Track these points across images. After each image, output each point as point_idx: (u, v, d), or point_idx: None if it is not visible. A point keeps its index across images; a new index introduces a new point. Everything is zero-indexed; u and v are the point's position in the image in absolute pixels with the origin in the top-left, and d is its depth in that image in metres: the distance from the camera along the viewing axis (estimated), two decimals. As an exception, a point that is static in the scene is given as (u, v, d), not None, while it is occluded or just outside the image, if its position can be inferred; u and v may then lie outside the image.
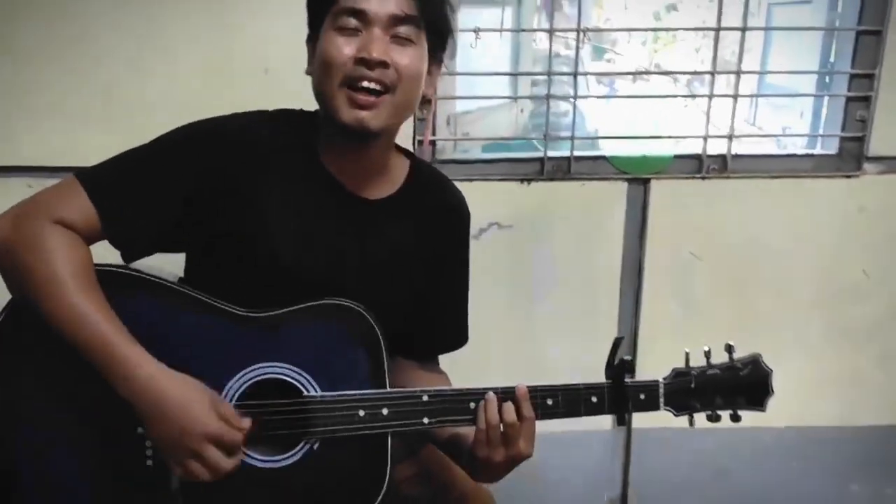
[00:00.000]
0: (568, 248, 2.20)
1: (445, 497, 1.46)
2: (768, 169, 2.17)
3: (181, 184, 1.21)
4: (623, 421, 1.29)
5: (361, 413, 1.21)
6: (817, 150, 2.22)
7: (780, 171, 2.17)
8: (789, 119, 2.34)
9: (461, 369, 2.24)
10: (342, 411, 1.21)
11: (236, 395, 1.21)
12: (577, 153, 2.12)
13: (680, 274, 2.25)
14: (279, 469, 1.21)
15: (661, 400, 1.28)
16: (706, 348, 1.30)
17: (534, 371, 2.29)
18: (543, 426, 2.35)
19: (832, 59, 2.14)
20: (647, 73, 2.70)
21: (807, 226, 2.23)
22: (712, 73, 2.07)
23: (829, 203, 2.21)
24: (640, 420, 2.37)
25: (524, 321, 2.27)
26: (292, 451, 1.22)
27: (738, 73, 2.09)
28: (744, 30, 2.06)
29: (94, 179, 1.20)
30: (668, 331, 2.28)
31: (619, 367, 1.28)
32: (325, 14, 1.22)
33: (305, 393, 1.21)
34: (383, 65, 1.18)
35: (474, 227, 2.33)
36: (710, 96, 2.09)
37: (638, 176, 2.15)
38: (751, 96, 2.38)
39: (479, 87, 2.20)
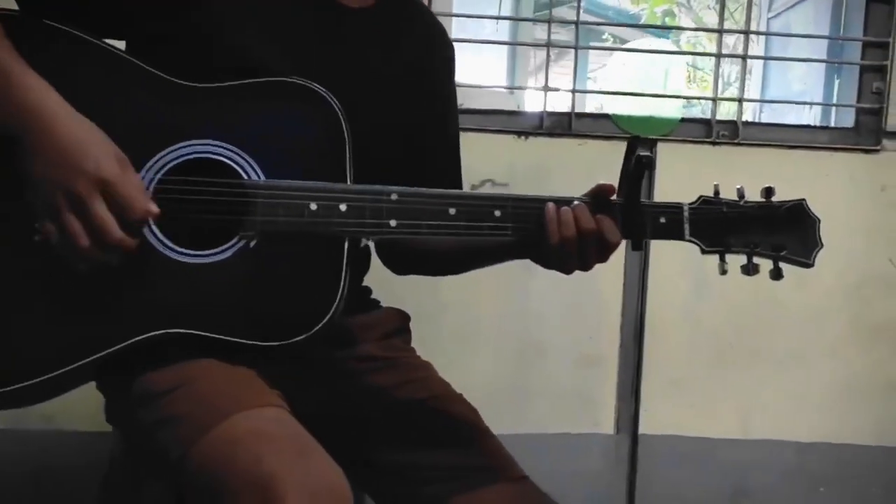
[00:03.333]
0: (567, 211, 2.02)
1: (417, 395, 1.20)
2: (782, 139, 2.04)
3: None
4: (638, 246, 1.06)
5: (313, 206, 1.01)
6: (833, 123, 2.09)
7: (794, 141, 2.04)
8: (802, 94, 2.23)
9: (446, 347, 2.04)
10: (289, 201, 1.01)
11: (160, 174, 1.01)
12: (578, 110, 2.01)
13: (689, 250, 2.05)
14: (203, 266, 1.00)
15: (687, 227, 1.06)
16: (739, 186, 1.10)
17: (529, 351, 2.06)
18: (532, 427, 2.13)
19: (842, 30, 2.07)
20: (652, 26, 2.61)
21: (826, 203, 2.03)
22: (719, 31, 1.99)
23: (850, 179, 2.06)
24: (647, 425, 2.15)
25: (518, 294, 2.05)
26: (223, 247, 1.01)
27: (747, 32, 2.01)
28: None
29: None
30: (678, 313, 2.07)
31: (637, 168, 1.04)
32: None
33: (245, 178, 1.01)
34: None
35: (467, 184, 2.18)
36: (718, 55, 2.00)
37: (643, 137, 2.02)
38: (760, 58, 2.29)
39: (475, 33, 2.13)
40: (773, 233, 1.07)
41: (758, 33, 2.10)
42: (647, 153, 1.08)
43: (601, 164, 2.06)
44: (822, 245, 1.07)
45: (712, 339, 2.08)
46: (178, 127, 1.02)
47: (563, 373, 2.06)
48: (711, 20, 1.99)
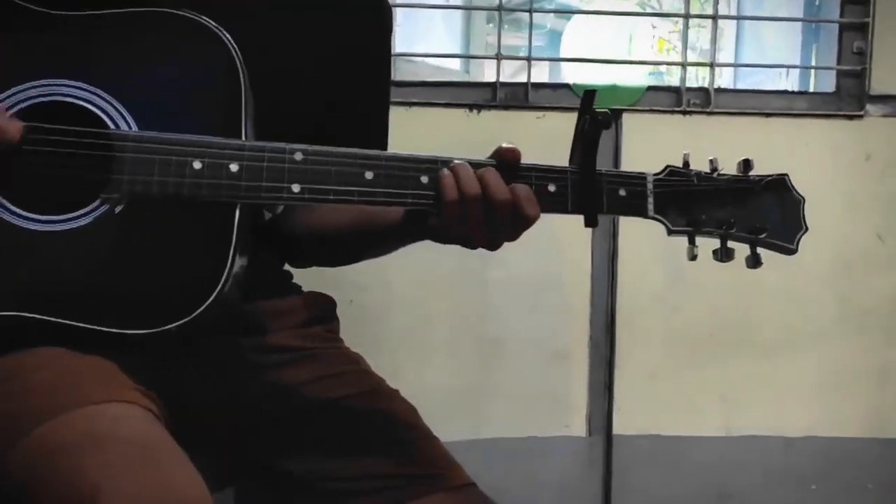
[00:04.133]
0: (526, 192, 1.83)
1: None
2: (758, 106, 1.87)
3: None
4: (593, 221, 0.91)
5: (197, 165, 0.83)
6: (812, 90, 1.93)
7: (771, 109, 1.87)
8: (777, 61, 2.06)
9: (395, 348, 1.84)
10: (166, 157, 0.83)
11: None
12: (534, 80, 1.81)
13: (661, 231, 1.88)
14: (54, 234, 0.82)
15: (650, 200, 0.91)
16: (712, 157, 0.97)
17: (488, 349, 1.86)
18: (494, 431, 1.94)
19: (818, -15, 1.91)
20: None
21: (807, 174, 1.87)
22: (686, -10, 1.81)
23: (832, 149, 1.89)
24: (621, 425, 1.97)
25: (474, 289, 1.86)
26: (79, 212, 0.83)
27: (716, -11, 1.83)
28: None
29: None
30: (651, 302, 1.89)
31: (592, 127, 0.90)
32: None
33: (112, 128, 0.84)
34: None
35: None
36: (686, 16, 1.82)
37: (607, 108, 1.83)
38: (732, 18, 2.12)
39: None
40: (750, 212, 0.94)
41: (727, -9, 1.92)
42: (606, 110, 0.90)
43: (562, 139, 1.86)
44: (807, 228, 0.95)
45: (689, 329, 1.90)
46: (27, 63, 0.85)
47: (526, 371, 1.88)
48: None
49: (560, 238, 1.87)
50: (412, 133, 1.88)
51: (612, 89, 1.84)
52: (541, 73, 2.01)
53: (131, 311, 0.82)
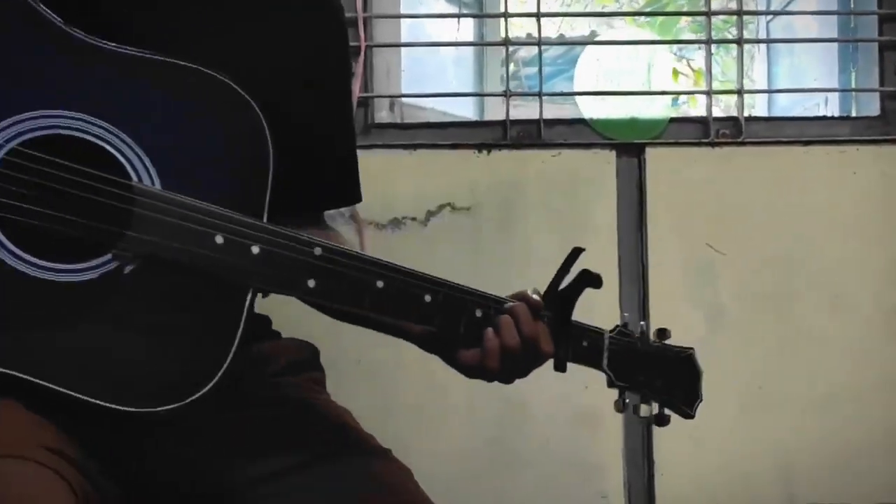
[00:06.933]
0: (544, 236, 1.69)
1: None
2: (794, 134, 1.72)
3: None
4: (561, 367, 0.99)
5: (219, 239, 0.80)
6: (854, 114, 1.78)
7: (809, 136, 1.72)
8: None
9: (408, 411, 1.68)
10: (191, 226, 0.80)
11: (9, 145, 0.77)
12: (547, 115, 1.69)
13: (695, 272, 1.72)
14: (53, 284, 0.77)
15: (606, 356, 1.00)
16: (642, 322, 1.07)
17: (509, 416, 1.70)
18: (525, 502, 1.74)
19: (852, 3, 1.77)
20: (630, 14, 2.26)
21: (852, 207, 1.73)
22: (707, 14, 1.69)
23: (883, 176, 1.72)
24: (665, 493, 1.76)
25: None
26: (86, 263, 0.78)
27: (740, 13, 1.71)
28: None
29: None
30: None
31: (580, 284, 0.95)
32: None
33: (135, 179, 0.79)
34: None
35: (421, 211, 1.86)
36: (709, 42, 1.69)
37: (627, 142, 1.70)
38: (759, 41, 1.97)
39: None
40: (671, 377, 1.04)
41: (753, 13, 1.80)
42: (598, 274, 0.96)
43: (579, 178, 1.75)
44: (701, 398, 1.05)
45: (735, 381, 1.70)
46: (45, 87, 0.79)
47: (555, 435, 1.69)
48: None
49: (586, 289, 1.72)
50: (419, 177, 1.78)
51: (632, 123, 1.71)
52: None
53: (124, 385, 0.78)
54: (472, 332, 0.91)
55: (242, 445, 0.91)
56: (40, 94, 0.79)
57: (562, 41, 2.00)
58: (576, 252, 0.95)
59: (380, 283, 0.87)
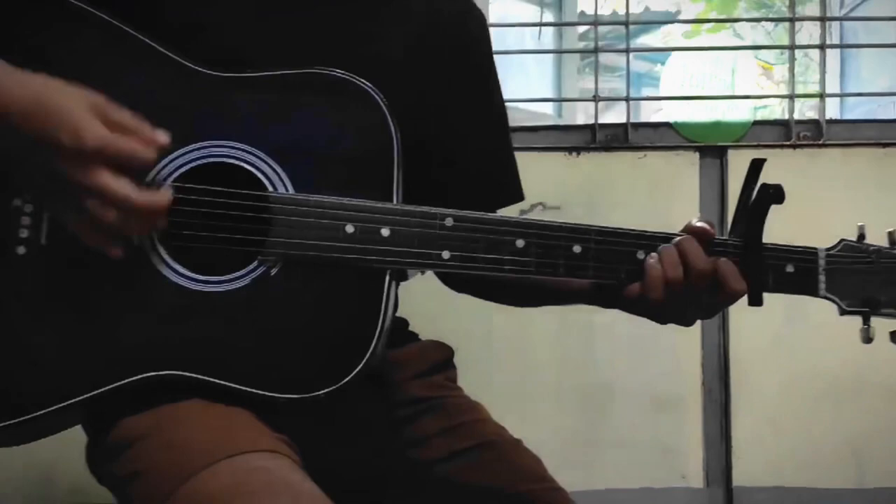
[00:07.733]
0: (630, 234, 1.79)
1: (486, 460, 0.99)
2: (874, 136, 1.78)
3: None
4: (758, 300, 0.86)
5: (350, 229, 0.84)
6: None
7: (889, 139, 1.77)
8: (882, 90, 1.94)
9: (499, 397, 1.80)
10: (322, 221, 0.84)
11: (168, 181, 0.84)
12: (634, 119, 1.79)
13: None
14: (213, 294, 0.83)
15: (822, 279, 0.86)
16: (891, 229, 0.89)
17: (596, 396, 1.81)
18: (606, 482, 1.86)
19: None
20: (712, 20, 2.33)
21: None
22: (791, 20, 1.76)
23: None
24: (741, 476, 1.86)
25: (579, 334, 1.81)
26: (238, 273, 0.84)
27: (823, 19, 1.76)
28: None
29: None
30: (768, 349, 1.79)
31: (761, 200, 0.84)
32: None
33: (270, 189, 0.84)
34: None
35: (514, 209, 1.97)
36: (792, 47, 1.76)
37: (710, 144, 1.78)
38: (841, 46, 2.03)
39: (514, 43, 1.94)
40: None
41: (836, 19, 1.85)
42: (779, 184, 0.84)
43: (665, 180, 1.84)
44: None
45: (812, 371, 1.79)
46: (189, 124, 0.85)
47: (637, 419, 1.80)
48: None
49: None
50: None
51: (716, 125, 1.79)
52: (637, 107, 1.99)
53: (285, 376, 0.82)
54: (638, 278, 0.84)
55: (412, 435, 0.97)
56: (188, 129, 0.84)
57: (648, 49, 2.05)
58: (757, 164, 0.85)
59: (520, 243, 0.84)
